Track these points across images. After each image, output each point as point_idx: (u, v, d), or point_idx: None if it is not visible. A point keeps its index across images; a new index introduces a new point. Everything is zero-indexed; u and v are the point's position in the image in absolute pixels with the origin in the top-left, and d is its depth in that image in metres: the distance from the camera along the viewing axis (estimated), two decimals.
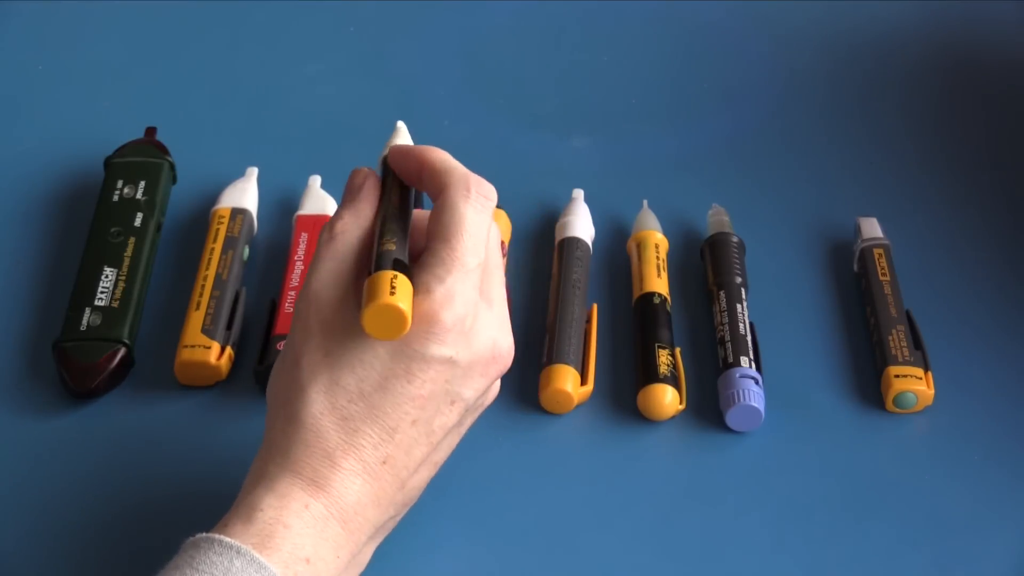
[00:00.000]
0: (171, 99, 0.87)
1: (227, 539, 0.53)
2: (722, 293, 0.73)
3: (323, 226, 0.59)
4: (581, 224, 0.76)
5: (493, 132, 0.84)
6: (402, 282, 0.55)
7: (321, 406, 0.56)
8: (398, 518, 0.59)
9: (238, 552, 0.52)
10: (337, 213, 0.59)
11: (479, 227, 0.58)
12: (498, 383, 0.61)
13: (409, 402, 0.56)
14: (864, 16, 0.94)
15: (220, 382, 0.70)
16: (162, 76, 0.88)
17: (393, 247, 0.57)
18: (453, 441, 0.59)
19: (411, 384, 0.56)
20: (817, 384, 0.71)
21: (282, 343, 0.69)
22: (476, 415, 0.60)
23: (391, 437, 0.56)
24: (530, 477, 0.67)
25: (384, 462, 0.56)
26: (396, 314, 0.55)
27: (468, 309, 0.57)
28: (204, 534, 0.54)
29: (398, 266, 0.56)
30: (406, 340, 0.56)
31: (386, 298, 0.54)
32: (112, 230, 0.75)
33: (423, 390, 0.56)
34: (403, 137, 0.63)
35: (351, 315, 0.56)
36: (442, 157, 0.59)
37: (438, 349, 0.56)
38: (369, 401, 0.56)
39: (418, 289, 0.56)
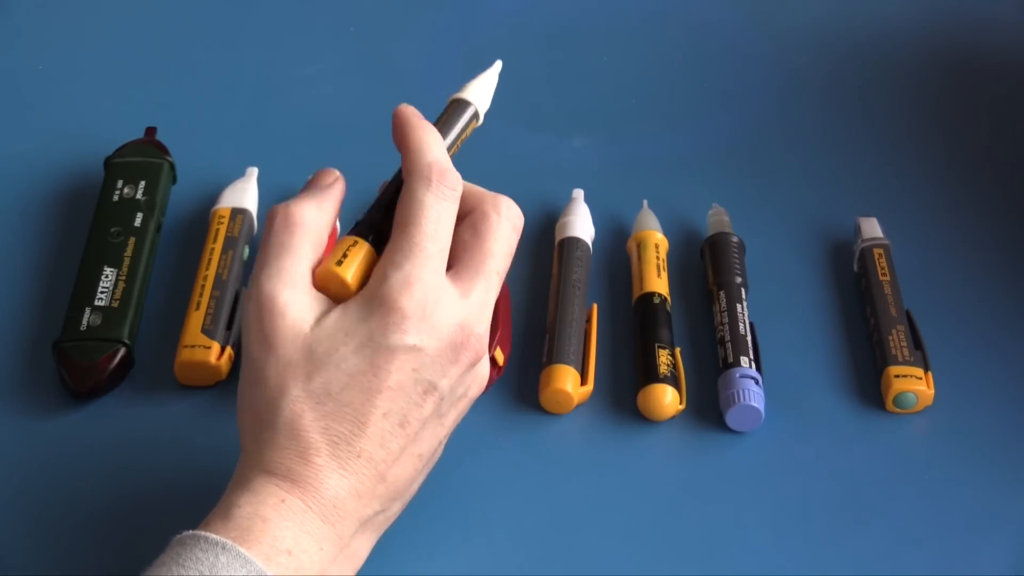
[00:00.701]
0: (171, 99, 0.87)
1: (212, 535, 0.53)
2: (722, 293, 0.73)
3: (272, 210, 0.58)
4: (581, 224, 0.76)
5: (493, 132, 0.84)
6: (357, 247, 0.57)
7: (291, 412, 0.55)
8: (392, 513, 0.59)
9: (223, 548, 0.53)
10: (297, 201, 0.58)
11: (440, 213, 0.57)
12: (483, 373, 0.60)
13: (377, 395, 0.56)
14: (863, 16, 0.94)
15: (220, 382, 0.70)
16: (162, 76, 0.88)
17: (374, 215, 0.59)
18: (437, 432, 0.58)
19: (377, 377, 0.55)
20: (817, 384, 0.71)
21: None
22: (461, 407, 0.59)
23: (363, 431, 0.56)
24: (530, 477, 0.67)
25: (359, 456, 0.56)
26: (337, 279, 0.57)
27: (428, 295, 0.56)
28: (190, 532, 0.54)
29: (369, 232, 0.58)
30: (367, 334, 0.55)
31: (330, 265, 0.57)
32: (112, 230, 0.75)
33: (390, 381, 0.56)
34: (484, 80, 0.63)
35: (312, 318, 0.56)
36: (417, 139, 0.59)
37: (400, 338, 0.56)
38: (338, 399, 0.55)
39: (376, 277, 0.56)
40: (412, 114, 0.60)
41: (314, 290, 0.57)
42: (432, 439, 0.58)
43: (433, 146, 0.59)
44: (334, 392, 0.55)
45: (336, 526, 0.55)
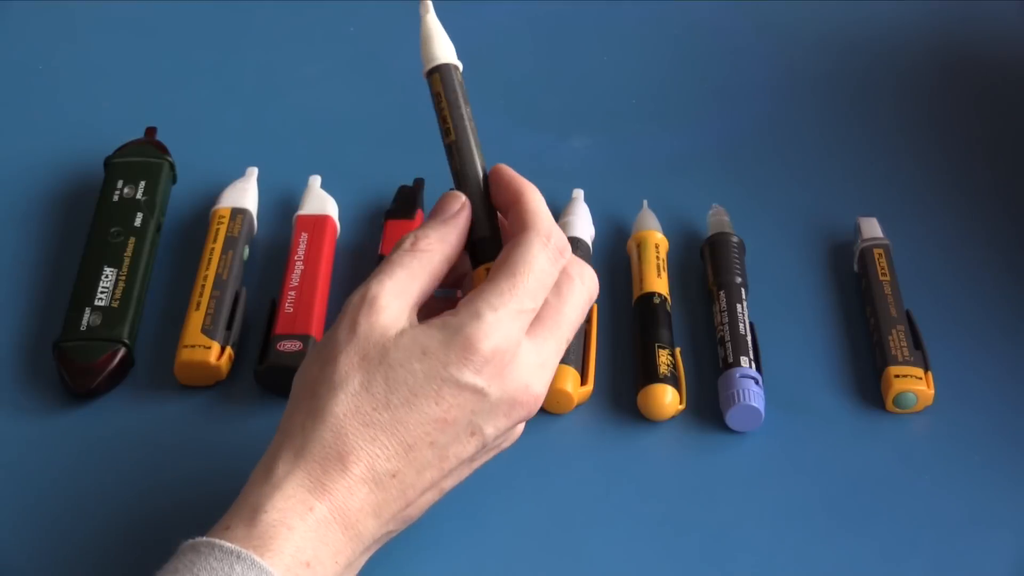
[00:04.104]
0: (171, 99, 0.87)
1: (227, 544, 0.53)
2: (722, 293, 0.73)
3: (405, 234, 0.60)
4: (581, 224, 0.76)
5: (493, 132, 0.84)
6: None
7: (347, 407, 0.56)
8: (396, 533, 0.59)
9: (238, 557, 0.52)
10: (423, 229, 0.60)
11: (546, 275, 0.58)
12: (521, 428, 0.61)
13: (431, 423, 0.56)
14: (863, 15, 0.94)
15: (220, 382, 0.70)
16: (162, 76, 0.88)
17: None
18: (463, 473, 0.59)
19: (438, 406, 0.56)
20: (817, 384, 0.71)
21: (282, 343, 0.69)
22: (491, 455, 0.60)
23: (406, 453, 0.56)
24: (530, 477, 0.67)
25: (394, 476, 0.56)
26: None
27: (509, 346, 0.57)
28: (203, 538, 0.54)
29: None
30: (443, 362, 0.56)
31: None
32: (112, 230, 0.75)
33: (448, 414, 0.56)
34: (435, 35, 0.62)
35: (400, 327, 0.57)
36: (537, 200, 0.60)
37: (471, 377, 0.56)
38: (394, 413, 0.56)
39: (469, 312, 0.57)
40: (513, 175, 0.61)
41: (415, 311, 0.58)
42: (457, 478, 0.59)
43: (547, 209, 0.60)
44: (394, 404, 0.56)
45: (353, 541, 0.56)
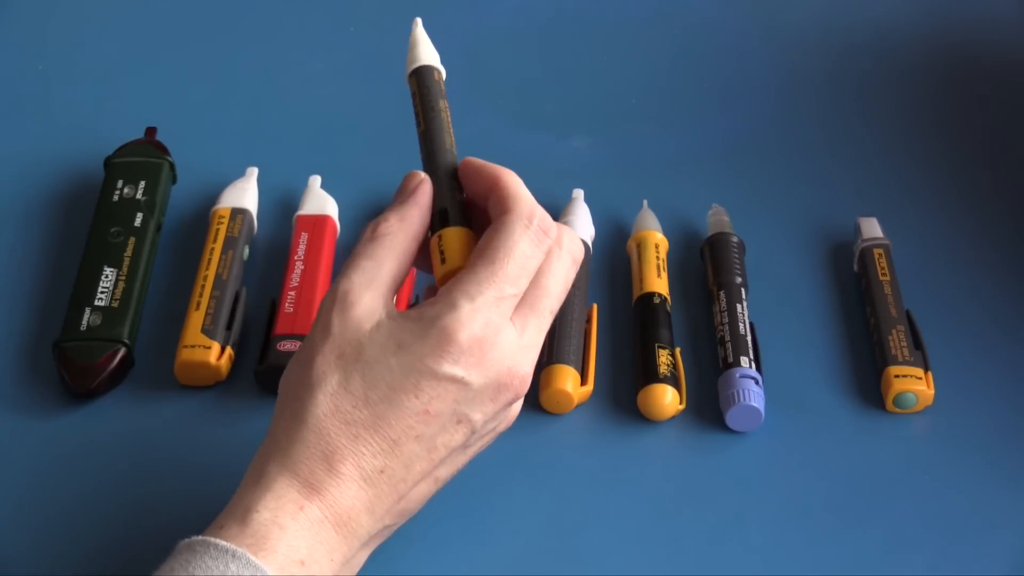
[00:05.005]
0: (171, 99, 0.87)
1: (222, 543, 0.53)
2: (722, 293, 0.73)
3: (368, 224, 0.59)
4: (581, 224, 0.76)
5: (493, 132, 0.84)
6: (442, 241, 0.59)
7: (326, 407, 0.55)
8: (395, 527, 0.59)
9: (233, 556, 0.52)
10: (384, 213, 0.59)
11: (528, 259, 0.57)
12: (515, 411, 0.60)
13: (414, 416, 0.56)
14: (863, 15, 0.94)
15: (220, 382, 0.70)
16: (162, 76, 0.88)
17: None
18: (459, 460, 0.59)
19: (418, 399, 0.56)
20: (817, 384, 0.71)
21: (282, 343, 0.69)
22: (487, 440, 0.60)
23: (392, 449, 0.56)
24: (530, 477, 0.67)
25: (382, 472, 0.56)
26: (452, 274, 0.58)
27: (488, 333, 0.56)
28: (199, 537, 0.54)
29: (441, 223, 0.60)
30: (419, 355, 0.56)
31: (439, 272, 0.59)
32: (112, 230, 0.75)
33: (430, 407, 0.56)
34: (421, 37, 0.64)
35: (375, 321, 0.57)
36: (515, 182, 0.59)
37: (450, 368, 0.56)
38: (375, 410, 0.56)
39: (446, 302, 0.56)
40: (484, 164, 0.60)
41: (389, 297, 0.58)
42: (453, 466, 0.59)
43: (527, 190, 0.59)
44: (373, 400, 0.56)
45: (348, 539, 0.55)
